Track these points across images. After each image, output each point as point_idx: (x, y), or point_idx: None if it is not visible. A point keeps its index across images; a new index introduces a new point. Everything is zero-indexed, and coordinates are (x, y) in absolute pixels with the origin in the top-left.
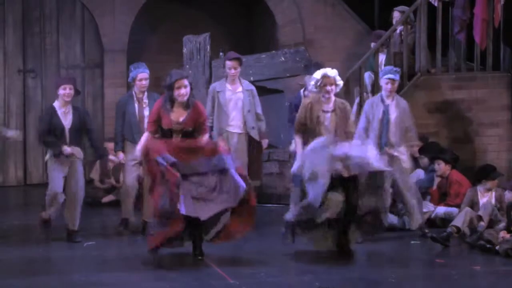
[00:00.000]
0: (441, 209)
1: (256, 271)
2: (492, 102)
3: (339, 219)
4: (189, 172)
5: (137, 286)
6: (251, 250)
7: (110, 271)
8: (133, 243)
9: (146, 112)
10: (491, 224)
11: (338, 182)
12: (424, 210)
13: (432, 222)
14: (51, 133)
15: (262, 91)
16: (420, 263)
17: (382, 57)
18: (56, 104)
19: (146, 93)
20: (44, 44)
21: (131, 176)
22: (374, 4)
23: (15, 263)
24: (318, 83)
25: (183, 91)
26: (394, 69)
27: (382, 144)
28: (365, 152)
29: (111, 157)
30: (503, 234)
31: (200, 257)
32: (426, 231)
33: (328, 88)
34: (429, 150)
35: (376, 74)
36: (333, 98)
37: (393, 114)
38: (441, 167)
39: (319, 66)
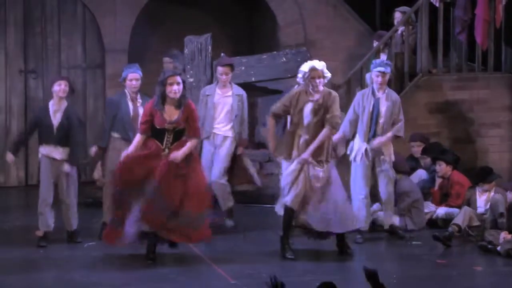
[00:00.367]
0: (442, 210)
1: (256, 272)
2: (494, 103)
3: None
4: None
5: (138, 286)
6: (252, 250)
7: (111, 271)
8: (134, 243)
9: (141, 110)
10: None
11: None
12: (426, 210)
13: (433, 223)
14: (36, 131)
15: (263, 91)
16: (421, 264)
17: (383, 58)
18: (50, 102)
19: (139, 94)
20: (45, 44)
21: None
22: (375, 4)
23: (16, 264)
24: (306, 76)
25: (175, 88)
26: (385, 62)
27: (370, 136)
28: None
29: None
30: (504, 234)
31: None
32: (399, 231)
33: (317, 81)
34: (431, 150)
35: None
36: (321, 88)
37: (383, 107)
38: (442, 168)
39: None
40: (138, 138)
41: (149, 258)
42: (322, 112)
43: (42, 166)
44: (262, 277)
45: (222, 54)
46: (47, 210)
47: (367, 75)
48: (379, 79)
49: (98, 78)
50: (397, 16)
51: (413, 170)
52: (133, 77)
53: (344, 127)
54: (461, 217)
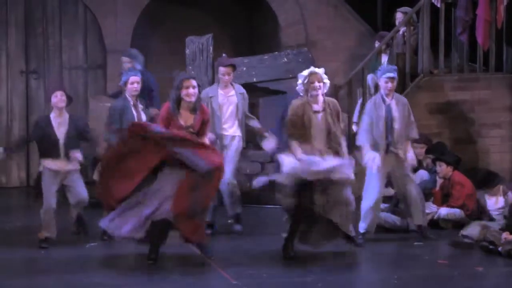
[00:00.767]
0: (444, 210)
1: (258, 272)
2: (495, 103)
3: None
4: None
5: (138, 287)
6: (253, 251)
7: (113, 272)
8: (136, 244)
9: (143, 117)
10: None
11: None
12: (427, 211)
13: (434, 223)
14: (44, 143)
15: (265, 92)
16: (422, 264)
17: (385, 58)
18: (51, 114)
19: (138, 99)
20: (46, 45)
21: None
22: (377, 5)
23: (17, 264)
24: (305, 81)
25: (191, 91)
26: (393, 67)
27: (387, 143)
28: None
29: None
30: (506, 235)
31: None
32: (428, 232)
33: (316, 84)
34: (435, 150)
35: None
36: (321, 97)
37: (395, 113)
38: (443, 168)
39: None
40: None
41: (150, 258)
42: (332, 120)
43: (45, 177)
44: (263, 278)
45: (223, 54)
46: (51, 218)
47: (369, 76)
48: (389, 85)
49: (99, 78)
50: (399, 16)
51: (415, 170)
52: (135, 80)
53: (363, 137)
54: (475, 232)
